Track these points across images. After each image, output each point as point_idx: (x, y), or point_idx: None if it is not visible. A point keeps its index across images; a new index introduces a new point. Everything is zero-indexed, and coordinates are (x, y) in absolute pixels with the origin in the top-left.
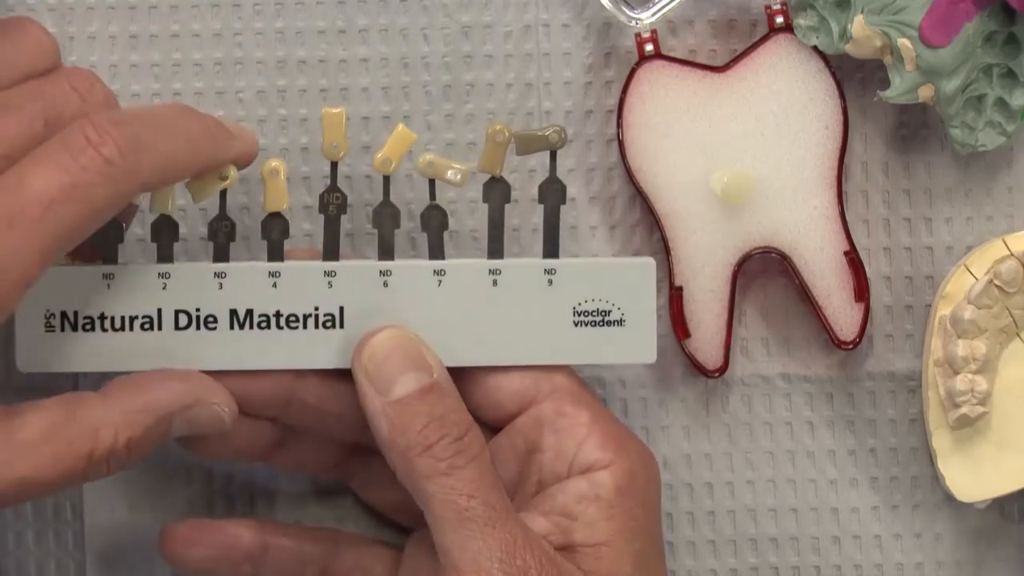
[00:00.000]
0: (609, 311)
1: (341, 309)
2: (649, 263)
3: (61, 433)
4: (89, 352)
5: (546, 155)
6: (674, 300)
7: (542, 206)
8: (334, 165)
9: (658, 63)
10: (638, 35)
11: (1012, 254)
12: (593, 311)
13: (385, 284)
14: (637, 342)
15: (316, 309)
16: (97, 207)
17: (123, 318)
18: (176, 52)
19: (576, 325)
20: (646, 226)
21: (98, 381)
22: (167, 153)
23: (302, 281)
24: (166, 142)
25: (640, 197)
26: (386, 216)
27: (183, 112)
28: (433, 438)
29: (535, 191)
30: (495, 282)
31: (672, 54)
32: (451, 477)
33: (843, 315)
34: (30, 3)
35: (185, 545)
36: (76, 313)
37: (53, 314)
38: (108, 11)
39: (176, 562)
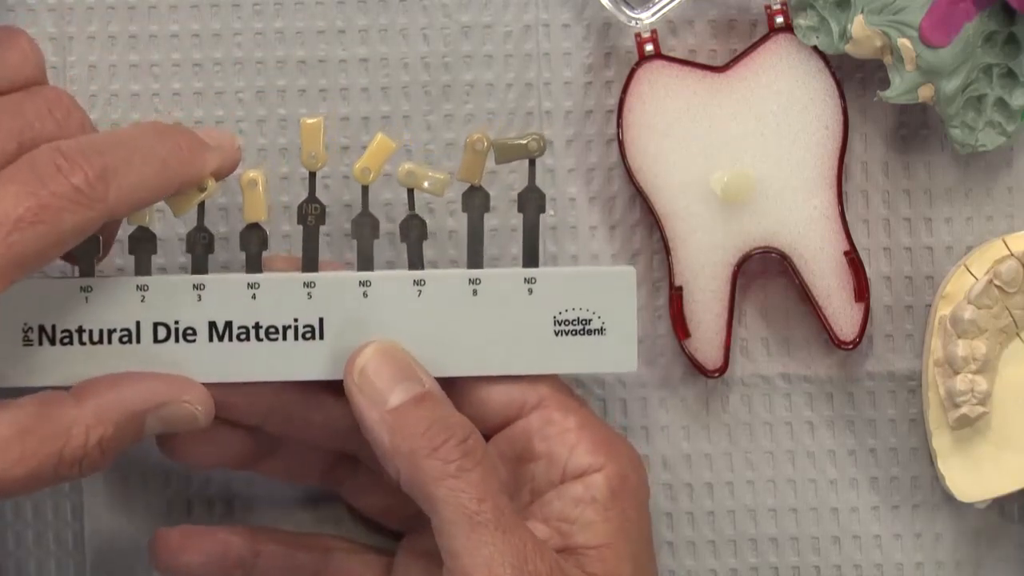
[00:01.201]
0: (590, 320)
1: (321, 320)
2: (629, 272)
3: (33, 432)
4: (67, 366)
5: (547, 156)
6: (674, 300)
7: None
8: (312, 175)
9: (658, 63)
10: (638, 35)
11: (1012, 254)
12: (574, 320)
13: (365, 295)
14: (618, 351)
15: (296, 320)
16: (62, 233)
17: (101, 331)
18: (176, 52)
19: (557, 334)
20: (646, 226)
21: None
22: (137, 181)
23: (281, 292)
24: (137, 170)
25: (640, 197)
26: (365, 226)
27: (156, 135)
28: (439, 440)
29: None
30: (475, 292)
31: (672, 54)
32: (460, 480)
33: (843, 315)
34: (30, 3)
35: (176, 552)
36: (54, 327)
37: (31, 327)
38: (108, 11)
39: (167, 568)
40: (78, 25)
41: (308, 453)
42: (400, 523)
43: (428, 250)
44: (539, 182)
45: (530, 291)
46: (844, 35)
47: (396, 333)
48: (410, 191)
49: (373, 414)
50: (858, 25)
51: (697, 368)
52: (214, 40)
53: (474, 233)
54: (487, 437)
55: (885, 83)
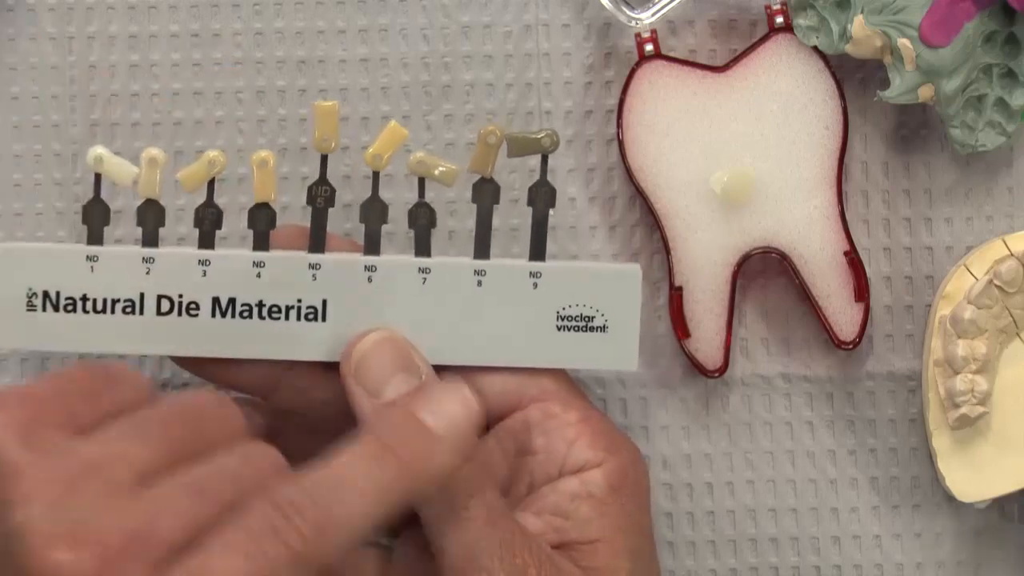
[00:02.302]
0: (593, 317)
1: (324, 302)
2: (635, 270)
3: None
4: (70, 333)
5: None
6: (674, 300)
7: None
8: (324, 158)
9: (658, 63)
10: (638, 35)
11: (1012, 254)
12: (576, 316)
13: (369, 279)
14: (619, 349)
15: (299, 301)
16: None
17: (105, 301)
18: (176, 52)
19: (559, 329)
20: (646, 226)
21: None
22: (357, 526)
23: (286, 272)
24: (356, 514)
25: (640, 197)
26: (373, 211)
27: (376, 460)
28: None
29: None
30: (480, 282)
31: (672, 54)
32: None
33: (843, 315)
34: (30, 3)
35: None
36: (58, 293)
37: (35, 293)
38: (108, 11)
39: None
40: (78, 25)
41: (306, 445)
42: (399, 520)
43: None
44: None
45: (535, 285)
46: (844, 35)
47: (399, 319)
48: (420, 180)
49: (367, 406)
50: (858, 25)
51: (697, 368)
52: (214, 40)
53: (482, 224)
54: (488, 424)
55: (885, 83)
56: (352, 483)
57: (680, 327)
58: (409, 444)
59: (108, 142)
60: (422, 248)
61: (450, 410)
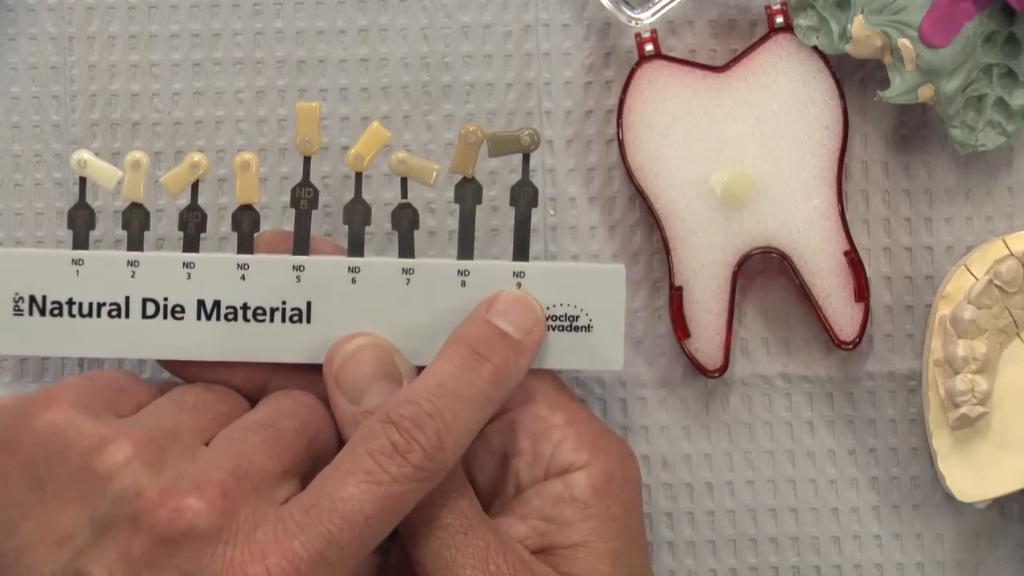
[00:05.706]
0: (577, 316)
1: (309, 304)
2: (619, 270)
3: None
4: (57, 337)
5: (547, 156)
6: (674, 300)
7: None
8: (307, 159)
9: (658, 63)
10: (638, 35)
11: (1012, 254)
12: (561, 316)
13: (353, 281)
14: (604, 349)
15: (284, 303)
16: (406, 511)
17: (91, 304)
18: (176, 52)
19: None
20: (646, 226)
21: (70, 365)
22: (468, 432)
23: (270, 274)
24: (464, 421)
25: (640, 197)
26: (356, 212)
27: (473, 368)
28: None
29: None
30: (464, 283)
31: (672, 54)
32: None
33: (843, 315)
34: (30, 3)
35: None
36: (44, 298)
37: (22, 297)
38: (108, 11)
39: None
40: (78, 25)
41: None
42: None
43: (430, 249)
44: (539, 182)
45: (518, 285)
46: (844, 35)
47: (383, 320)
48: (403, 180)
49: (347, 412)
50: (858, 25)
51: (697, 368)
52: (214, 40)
53: (465, 224)
54: None
55: (885, 83)
56: (457, 392)
57: (680, 327)
58: (498, 351)
59: (108, 142)
60: (406, 249)
61: (522, 316)
